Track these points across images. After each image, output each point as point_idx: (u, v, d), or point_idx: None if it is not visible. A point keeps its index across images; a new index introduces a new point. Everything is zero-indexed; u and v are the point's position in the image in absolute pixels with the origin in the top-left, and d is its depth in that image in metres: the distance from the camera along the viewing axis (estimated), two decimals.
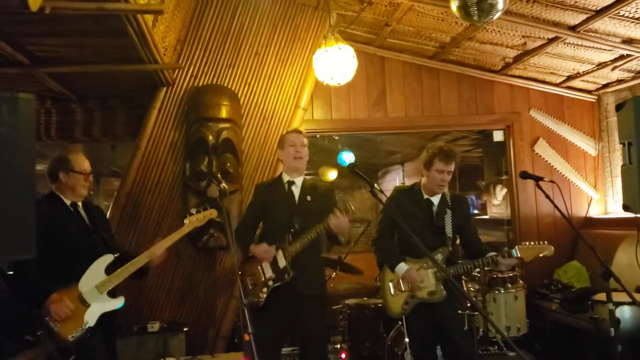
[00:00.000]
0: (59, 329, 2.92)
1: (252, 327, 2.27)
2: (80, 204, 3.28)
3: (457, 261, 3.45)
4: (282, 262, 3.28)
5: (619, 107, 2.88)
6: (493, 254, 3.38)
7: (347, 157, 8.52)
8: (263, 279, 3.31)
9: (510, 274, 4.52)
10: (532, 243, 3.40)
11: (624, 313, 3.74)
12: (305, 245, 3.26)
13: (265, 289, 3.28)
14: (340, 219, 3.17)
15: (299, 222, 3.31)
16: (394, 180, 11.76)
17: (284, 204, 3.39)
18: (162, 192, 4.73)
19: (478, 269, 3.45)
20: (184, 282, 4.72)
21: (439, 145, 3.53)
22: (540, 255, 3.33)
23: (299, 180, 3.46)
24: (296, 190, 3.43)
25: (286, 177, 3.47)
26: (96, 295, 3.04)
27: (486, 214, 8.87)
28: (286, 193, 3.42)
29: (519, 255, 3.32)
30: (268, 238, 3.38)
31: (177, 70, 4.70)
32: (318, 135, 7.33)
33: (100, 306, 3.04)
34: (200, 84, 4.76)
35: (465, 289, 4.30)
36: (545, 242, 3.42)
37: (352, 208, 3.22)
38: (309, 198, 3.41)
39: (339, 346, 4.22)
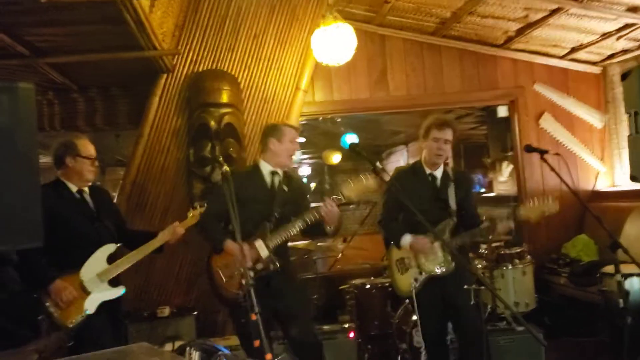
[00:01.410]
0: (59, 315, 2.96)
1: (259, 306, 2.27)
2: (86, 189, 3.28)
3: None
4: (264, 252, 3.15)
5: (624, 77, 2.85)
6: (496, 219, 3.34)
7: (351, 140, 8.51)
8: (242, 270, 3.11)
9: (518, 250, 4.52)
10: (536, 202, 3.33)
11: (633, 284, 3.71)
12: (290, 235, 3.19)
13: (243, 281, 3.07)
14: (331, 206, 3.09)
15: (278, 210, 3.23)
16: (398, 162, 11.74)
17: (265, 194, 3.29)
18: (167, 179, 4.74)
19: (484, 236, 3.40)
20: (192, 268, 4.74)
21: (435, 115, 3.55)
22: (546, 213, 3.28)
23: (281, 172, 3.38)
24: (276, 181, 3.34)
25: (268, 168, 3.35)
26: (97, 284, 3.07)
27: (493, 192, 8.84)
28: (268, 184, 3.32)
29: (523, 217, 3.28)
30: (243, 228, 3.16)
31: (176, 57, 4.68)
32: (320, 118, 7.31)
33: (100, 294, 3.08)
34: (200, 69, 4.74)
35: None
36: (550, 198, 3.35)
37: (343, 195, 3.14)
38: (285, 188, 3.34)
39: (347, 325, 4.22)
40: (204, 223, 3.36)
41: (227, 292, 3.23)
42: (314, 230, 3.31)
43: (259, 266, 3.14)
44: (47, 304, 2.98)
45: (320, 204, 3.16)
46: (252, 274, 3.09)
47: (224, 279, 3.24)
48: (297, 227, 3.17)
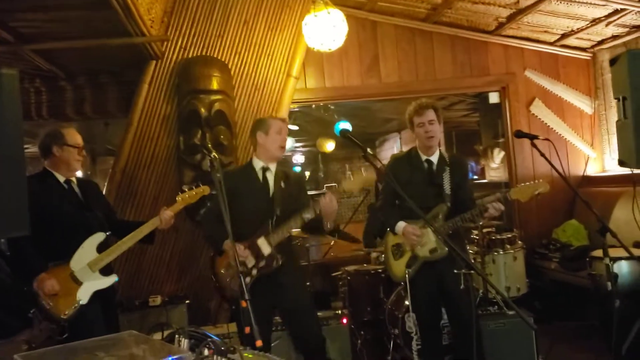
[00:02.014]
0: (52, 307, 2.94)
1: (249, 293, 2.27)
2: (74, 180, 3.25)
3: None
4: (266, 250, 3.15)
5: (612, 62, 2.83)
6: (487, 199, 3.34)
7: (344, 127, 8.48)
8: (244, 269, 3.12)
9: (509, 235, 4.54)
10: (527, 183, 3.35)
11: (622, 268, 3.75)
12: (290, 231, 3.20)
13: (248, 279, 3.10)
14: (331, 201, 3.09)
15: (278, 209, 3.23)
16: (391, 149, 11.70)
17: (259, 191, 3.28)
18: (157, 166, 4.71)
19: (475, 218, 3.39)
20: (183, 256, 4.74)
21: (412, 103, 3.53)
22: (536, 192, 3.29)
23: (273, 167, 3.34)
24: (270, 177, 3.31)
25: (260, 164, 3.33)
26: (88, 273, 3.04)
27: (485, 178, 8.87)
28: (260, 180, 3.31)
29: (515, 198, 3.30)
30: (243, 227, 3.20)
31: (165, 43, 4.63)
32: (313, 105, 7.28)
33: (92, 284, 3.05)
34: (190, 55, 4.70)
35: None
36: (540, 180, 3.38)
37: (343, 189, 3.16)
38: (282, 185, 3.32)
39: (340, 312, 4.23)
40: (206, 225, 3.38)
41: (231, 292, 3.21)
42: (313, 227, 3.34)
43: (262, 263, 3.16)
44: (38, 297, 2.95)
45: (320, 192, 3.16)
46: (254, 272, 3.14)
47: (227, 279, 3.23)
48: (297, 223, 3.17)
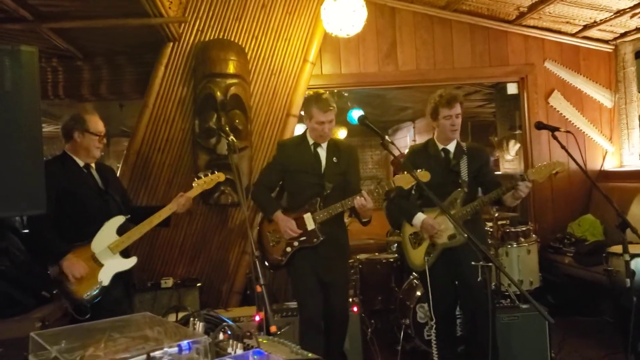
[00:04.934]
0: (74, 288, 2.96)
1: (264, 278, 2.26)
2: (93, 165, 3.27)
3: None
4: (310, 225, 3.29)
5: (638, 55, 2.77)
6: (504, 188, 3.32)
7: (357, 115, 8.43)
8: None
9: (523, 228, 4.50)
10: (544, 163, 3.33)
11: (639, 265, 3.71)
12: (334, 215, 3.30)
13: (289, 249, 3.32)
14: (365, 201, 3.18)
15: (329, 186, 3.32)
16: (405, 138, 11.65)
17: (311, 166, 3.38)
18: (172, 149, 4.70)
19: (494, 200, 3.36)
20: (196, 239, 4.74)
21: (439, 92, 3.48)
22: (553, 172, 3.27)
23: (324, 144, 3.44)
24: (322, 152, 3.41)
25: (311, 140, 3.43)
26: (109, 255, 3.07)
27: (499, 170, 8.80)
28: (313, 155, 3.40)
29: (532, 179, 3.26)
30: (295, 200, 3.41)
31: (183, 25, 4.59)
32: (327, 92, 7.23)
33: (113, 266, 3.08)
34: (207, 38, 4.66)
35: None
36: (557, 160, 3.35)
37: (388, 187, 3.24)
38: (335, 159, 3.41)
39: (350, 300, 4.22)
40: (256, 192, 3.52)
41: (271, 256, 3.41)
42: (356, 215, 3.41)
43: (303, 237, 3.30)
44: (61, 277, 2.97)
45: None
46: (296, 243, 3.32)
47: (270, 244, 3.41)
48: (338, 209, 3.27)
